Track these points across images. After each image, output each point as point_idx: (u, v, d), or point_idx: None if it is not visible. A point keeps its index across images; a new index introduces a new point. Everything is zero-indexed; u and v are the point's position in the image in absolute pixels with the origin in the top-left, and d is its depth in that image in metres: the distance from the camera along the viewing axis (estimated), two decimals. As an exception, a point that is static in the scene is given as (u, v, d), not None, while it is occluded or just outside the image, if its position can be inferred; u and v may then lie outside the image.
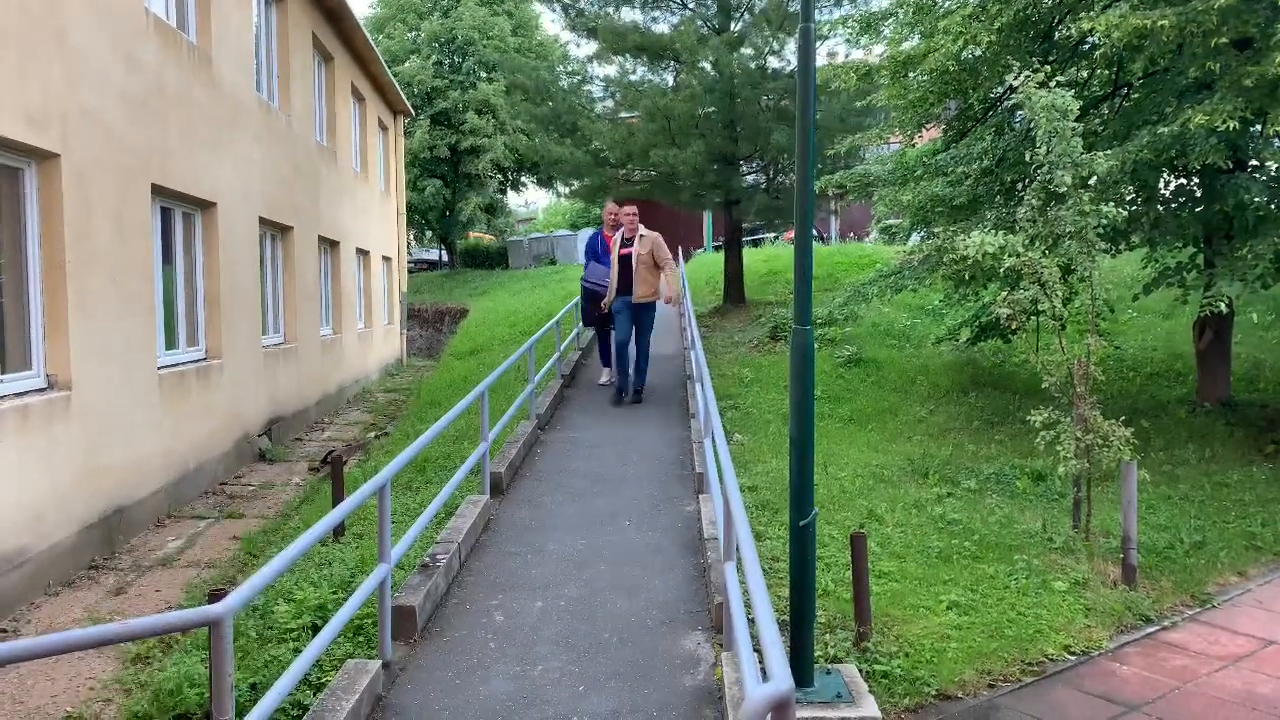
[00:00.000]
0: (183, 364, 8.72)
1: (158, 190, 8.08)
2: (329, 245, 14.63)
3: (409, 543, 4.70)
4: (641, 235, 10.38)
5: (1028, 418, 6.73)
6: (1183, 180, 9.39)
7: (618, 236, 10.61)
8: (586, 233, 38.46)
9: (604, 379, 11.72)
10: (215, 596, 4.12)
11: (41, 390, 6.31)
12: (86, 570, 6.61)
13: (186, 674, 4.30)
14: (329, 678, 4.08)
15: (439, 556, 5.37)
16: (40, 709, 4.54)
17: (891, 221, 18.35)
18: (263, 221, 10.99)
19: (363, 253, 17.01)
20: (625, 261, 10.41)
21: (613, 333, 10.83)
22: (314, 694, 4.00)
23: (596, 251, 11.03)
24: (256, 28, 11.22)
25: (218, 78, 9.45)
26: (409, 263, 29.57)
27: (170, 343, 8.65)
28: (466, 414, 9.61)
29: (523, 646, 4.55)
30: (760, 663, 3.00)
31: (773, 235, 29.13)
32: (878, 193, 11.19)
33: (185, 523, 7.92)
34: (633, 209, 10.52)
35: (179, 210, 8.86)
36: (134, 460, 7.40)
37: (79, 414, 6.55)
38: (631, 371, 10.73)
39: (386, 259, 19.59)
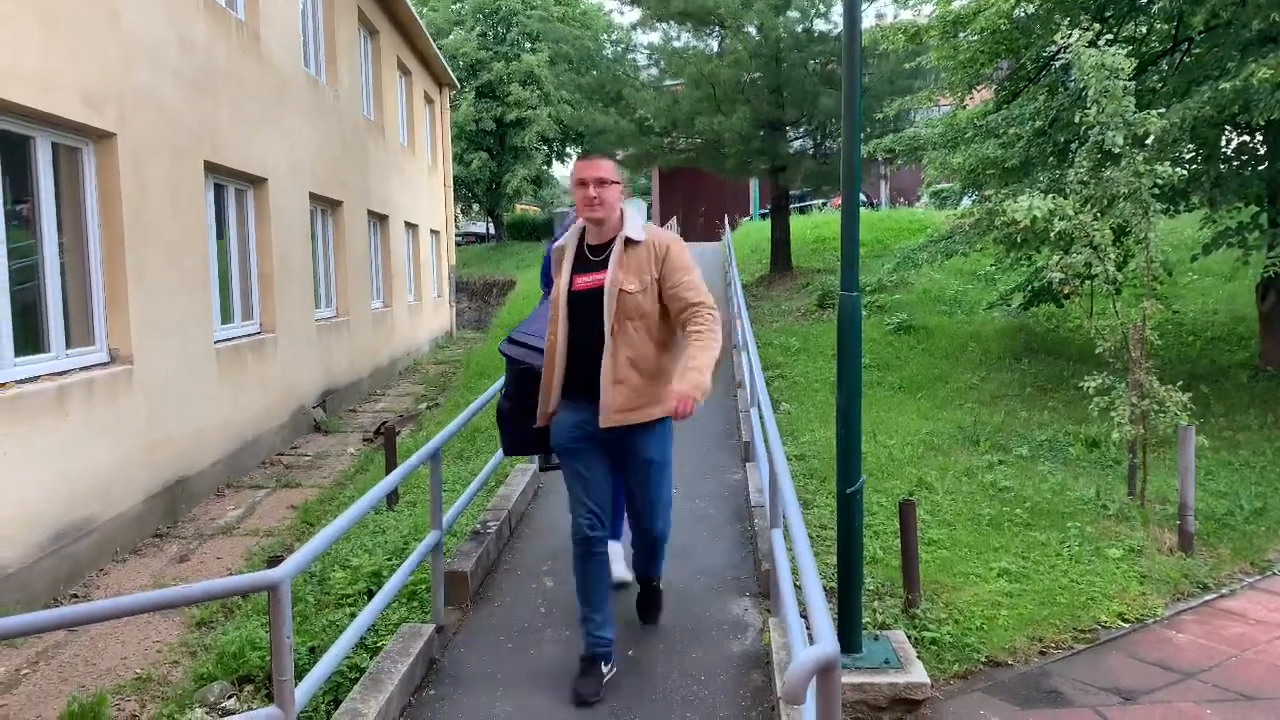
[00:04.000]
0: (238, 338, 8.91)
1: (210, 167, 8.22)
2: (378, 219, 14.79)
3: (460, 510, 4.78)
4: (631, 239, 3.72)
5: (1081, 383, 6.62)
6: (1245, 137, 9.09)
7: (569, 238, 3.88)
8: (631, 204, 38.45)
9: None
10: (274, 562, 4.24)
11: (104, 364, 6.50)
12: (151, 538, 6.83)
13: (248, 637, 4.44)
14: (384, 641, 4.18)
15: (490, 523, 5.45)
16: (111, 670, 4.72)
17: (942, 185, 18.02)
18: (313, 196, 11.14)
19: (412, 226, 17.17)
20: (584, 305, 3.71)
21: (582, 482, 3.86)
22: (370, 657, 4.10)
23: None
24: (303, 3, 11.31)
25: (266, 54, 9.56)
26: (456, 236, 29.79)
27: (226, 317, 8.84)
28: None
29: (573, 612, 4.61)
30: (807, 628, 3.02)
31: (820, 202, 28.79)
32: (927, 156, 11.00)
33: (244, 492, 8.14)
34: (605, 172, 3.68)
35: (231, 186, 9.01)
36: (194, 432, 7.60)
37: (141, 387, 6.74)
38: (630, 570, 4.63)
39: (435, 232, 19.75)
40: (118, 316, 6.62)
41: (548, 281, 4.28)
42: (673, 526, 4.26)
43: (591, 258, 3.70)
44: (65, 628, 3.84)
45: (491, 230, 41.20)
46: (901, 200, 31.45)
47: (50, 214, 6.04)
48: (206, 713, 3.90)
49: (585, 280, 3.66)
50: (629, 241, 3.65)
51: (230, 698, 4.13)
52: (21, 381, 5.58)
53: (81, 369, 6.22)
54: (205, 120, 7.99)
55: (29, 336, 5.86)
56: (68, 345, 6.21)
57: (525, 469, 6.77)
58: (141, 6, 6.88)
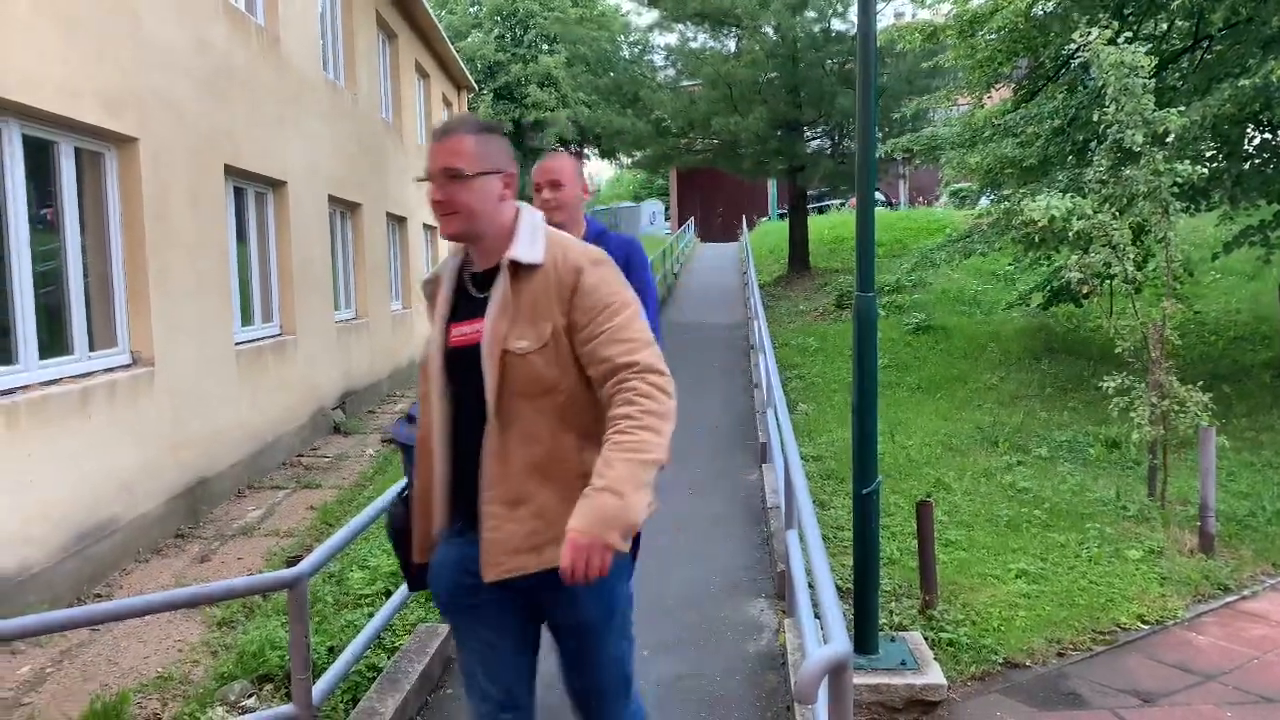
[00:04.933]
0: (258, 340, 8.98)
1: (230, 170, 8.30)
2: (397, 221, 14.87)
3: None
4: (521, 262, 2.16)
5: (1101, 384, 6.57)
6: (1268, 135, 9.00)
7: (444, 266, 2.36)
8: (649, 205, 38.45)
9: None
10: (293, 563, 4.28)
11: (127, 366, 6.57)
12: (173, 539, 6.90)
13: (268, 637, 4.48)
14: (402, 641, 4.21)
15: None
16: (133, 669, 4.78)
17: (960, 185, 17.95)
18: (332, 199, 11.22)
19: (430, 229, 17.25)
20: (465, 370, 2.18)
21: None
22: (388, 656, 4.13)
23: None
24: (322, 8, 11.39)
25: (285, 58, 9.64)
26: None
27: (246, 319, 8.91)
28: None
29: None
30: (821, 629, 3.03)
31: (839, 202, 28.72)
32: (945, 155, 10.96)
33: (264, 493, 8.20)
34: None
35: (251, 189, 9.09)
36: (215, 433, 7.68)
37: (162, 389, 6.81)
38: None
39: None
40: (140, 319, 6.69)
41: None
42: (690, 511, 4.06)
43: (477, 293, 2.24)
44: (89, 626, 3.89)
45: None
46: (920, 200, 31.33)
47: (73, 218, 6.11)
48: (227, 711, 3.94)
49: (464, 332, 2.20)
50: (518, 268, 2.14)
51: (250, 696, 4.18)
52: (46, 383, 5.65)
53: (104, 371, 6.29)
54: (225, 124, 8.06)
55: (53, 339, 5.94)
56: (91, 347, 6.28)
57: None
58: (162, 12, 6.96)
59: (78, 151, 6.18)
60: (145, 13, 6.70)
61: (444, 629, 4.11)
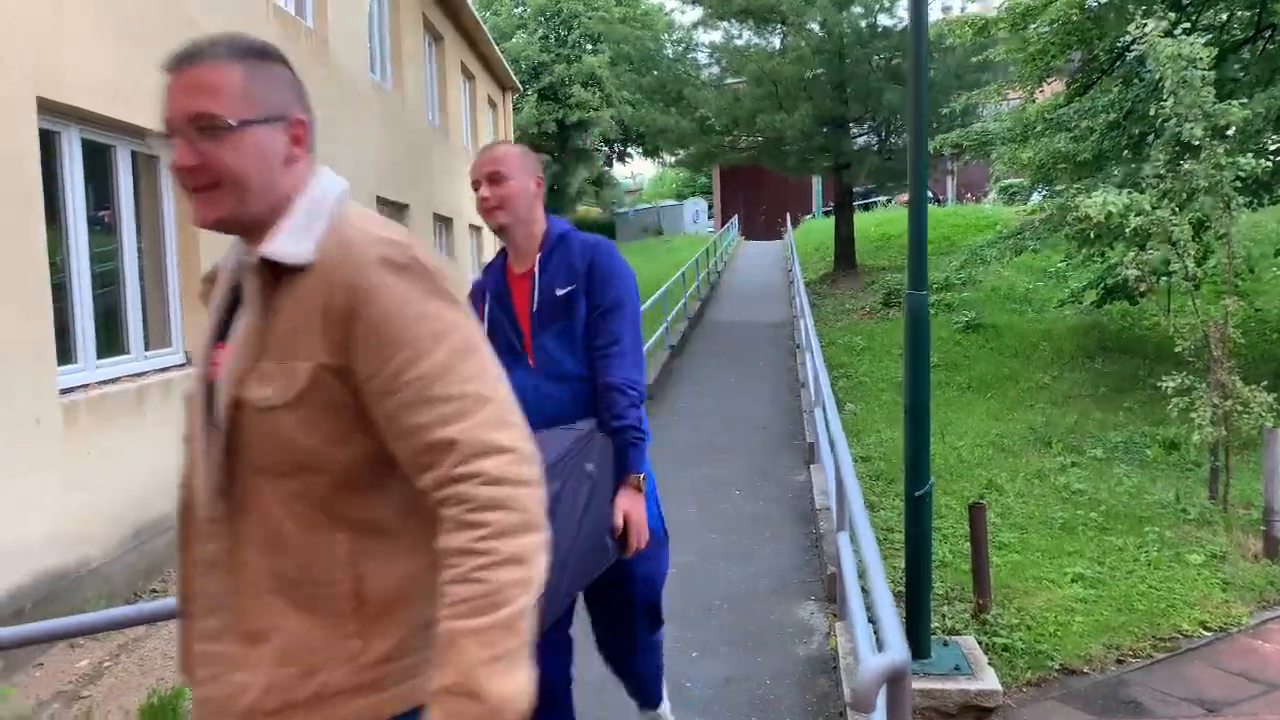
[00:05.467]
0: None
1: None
2: (444, 222, 14.99)
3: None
4: (281, 262, 1.30)
5: (1159, 383, 6.41)
6: (1335, 126, 8.72)
7: (221, 263, 1.52)
8: (692, 204, 38.37)
9: None
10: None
11: (180, 366, 6.68)
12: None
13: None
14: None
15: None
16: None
17: (1011, 181, 17.65)
18: (380, 201, 11.33)
19: (475, 229, 17.37)
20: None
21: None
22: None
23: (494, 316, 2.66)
24: (370, 11, 11.51)
25: (334, 62, 9.75)
26: (519, 237, 30.06)
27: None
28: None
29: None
30: (875, 633, 2.98)
31: (885, 199, 28.43)
32: (996, 151, 10.78)
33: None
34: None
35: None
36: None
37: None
38: None
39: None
40: (192, 320, 6.80)
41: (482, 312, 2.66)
42: (737, 512, 4.16)
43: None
44: (145, 624, 3.96)
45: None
46: (969, 196, 30.89)
47: (130, 220, 6.23)
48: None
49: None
50: (277, 271, 1.32)
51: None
52: (104, 383, 5.77)
53: (158, 370, 6.40)
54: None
55: (110, 339, 6.06)
56: (146, 347, 6.40)
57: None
58: (215, 17, 7.06)
59: (134, 155, 6.30)
60: (200, 18, 6.81)
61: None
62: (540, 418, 2.27)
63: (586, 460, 2.37)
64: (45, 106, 5.04)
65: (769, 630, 4.34)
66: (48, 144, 5.23)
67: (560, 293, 2.50)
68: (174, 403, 6.36)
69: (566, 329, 2.51)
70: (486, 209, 2.54)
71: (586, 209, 41.97)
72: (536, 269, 2.55)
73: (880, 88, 15.06)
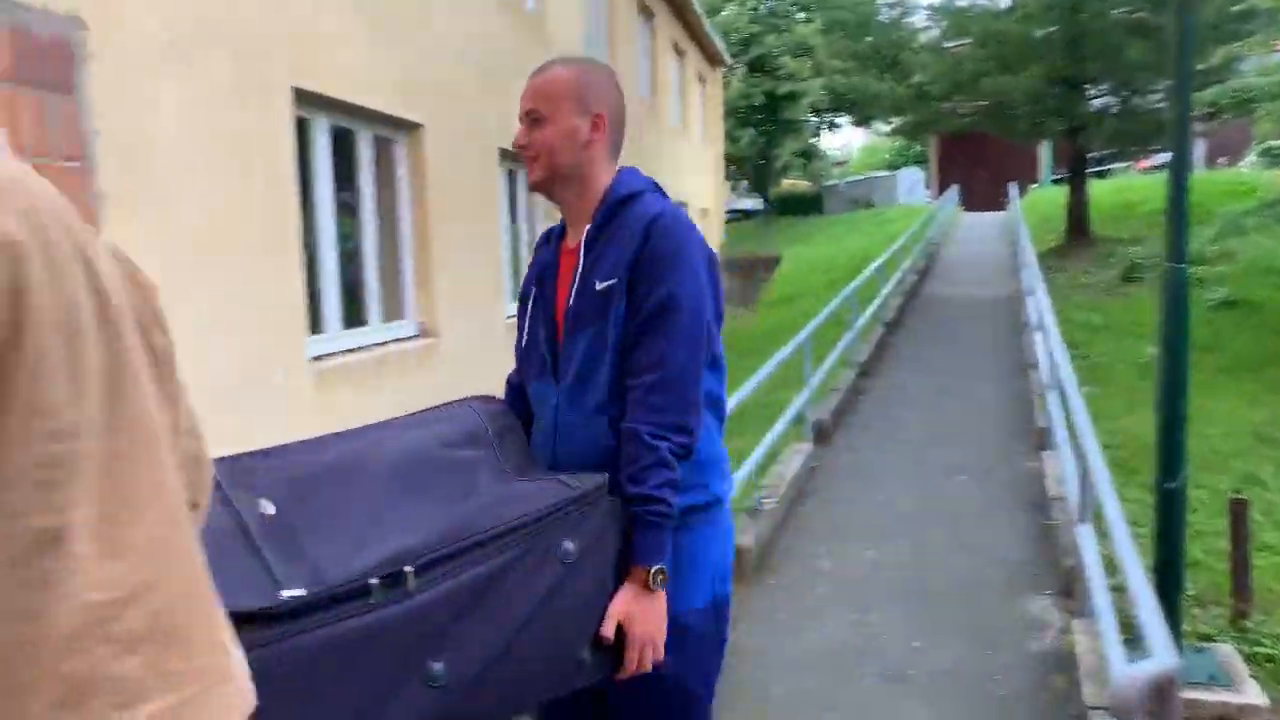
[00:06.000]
0: (527, 313, 9.45)
1: (503, 154, 8.75)
2: (652, 198, 15.16)
3: (734, 486, 4.78)
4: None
5: None
6: None
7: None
8: (907, 174, 36.91)
9: None
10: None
11: (414, 337, 7.11)
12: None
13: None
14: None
15: (764, 501, 5.42)
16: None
17: (1275, 142, 15.82)
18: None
19: (681, 205, 17.49)
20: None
21: None
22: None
23: (535, 299, 2.03)
24: (585, -9, 11.74)
25: (551, 43, 10.01)
26: (726, 213, 29.98)
27: (515, 295, 9.40)
28: (784, 362, 9.63)
29: (854, 595, 4.49)
30: (1125, 634, 2.74)
31: (1124, 164, 26.20)
32: (1263, 108, 9.65)
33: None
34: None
35: (522, 172, 9.56)
36: (489, 401, 8.16)
37: (443, 360, 7.32)
38: None
39: (704, 211, 19.99)
40: (425, 293, 7.21)
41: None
42: (963, 497, 3.93)
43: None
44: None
45: (758, 206, 41.17)
46: (1222, 160, 27.96)
47: (370, 201, 6.67)
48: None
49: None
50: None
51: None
52: (347, 351, 6.23)
53: (394, 341, 6.84)
54: (498, 109, 8.50)
55: (351, 311, 6.52)
56: (384, 319, 6.85)
57: (800, 448, 6.67)
58: (449, 7, 7.41)
59: (375, 139, 6.73)
60: (436, 9, 7.16)
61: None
62: (569, 453, 1.81)
63: (566, 536, 1.61)
64: (301, 96, 5.45)
65: (998, 622, 4.11)
66: (302, 131, 5.67)
67: (600, 286, 1.79)
68: (407, 371, 6.77)
69: (599, 336, 1.79)
70: (526, 161, 1.91)
71: (794, 182, 41.30)
72: (583, 246, 1.86)
73: (1120, 43, 13.82)
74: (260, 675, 1.05)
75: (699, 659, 1.84)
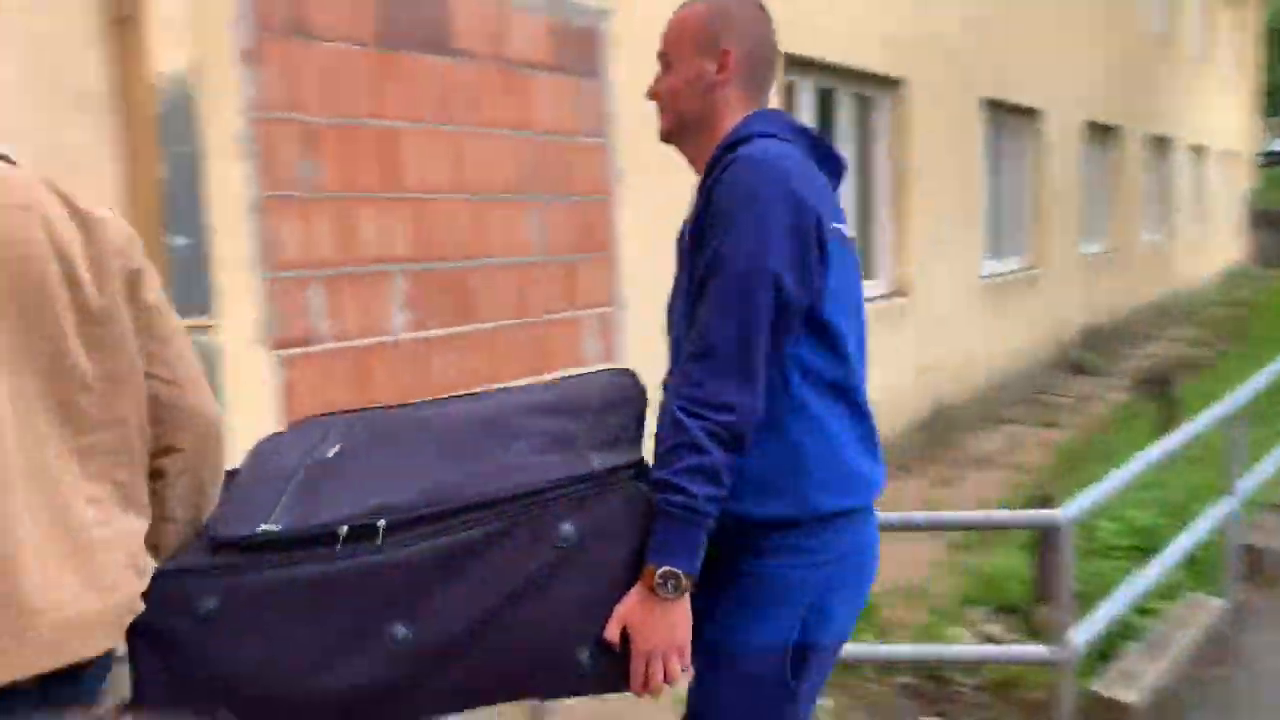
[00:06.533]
0: (1003, 273, 8.97)
1: (986, 104, 8.32)
2: (1158, 143, 13.44)
3: (1261, 478, 4.14)
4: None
5: None
6: None
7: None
8: None
9: None
10: (1043, 502, 4.20)
11: (886, 296, 7.11)
12: (914, 459, 7.34)
13: (1012, 568, 4.49)
14: (1153, 604, 3.87)
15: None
16: (885, 577, 5.21)
17: None
18: (1087, 125, 10.57)
19: (1196, 149, 15.25)
20: None
21: None
22: (1138, 615, 3.84)
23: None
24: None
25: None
26: (1259, 156, 25.50)
27: (993, 252, 8.95)
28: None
29: None
30: None
31: None
32: None
33: (1003, 426, 8.24)
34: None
35: (1004, 121, 9.02)
36: (957, 364, 7.92)
37: (912, 319, 7.23)
38: None
39: (1227, 154, 17.25)
40: (899, 252, 7.16)
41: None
42: None
43: None
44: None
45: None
46: None
47: (851, 162, 6.76)
48: (971, 633, 4.08)
49: None
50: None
51: (990, 622, 4.26)
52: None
53: (867, 300, 6.90)
54: (982, 58, 8.08)
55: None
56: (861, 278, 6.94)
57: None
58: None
59: (856, 98, 6.78)
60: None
61: (1214, 603, 3.67)
62: (658, 434, 1.57)
63: (565, 518, 1.43)
64: (789, 60, 5.66)
65: None
66: (790, 94, 5.92)
67: (687, 242, 1.64)
68: (879, 331, 6.80)
69: (683, 303, 1.64)
70: (657, 106, 1.75)
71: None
72: (694, 203, 1.65)
73: None
74: (225, 602, 1.37)
75: (745, 708, 1.60)
